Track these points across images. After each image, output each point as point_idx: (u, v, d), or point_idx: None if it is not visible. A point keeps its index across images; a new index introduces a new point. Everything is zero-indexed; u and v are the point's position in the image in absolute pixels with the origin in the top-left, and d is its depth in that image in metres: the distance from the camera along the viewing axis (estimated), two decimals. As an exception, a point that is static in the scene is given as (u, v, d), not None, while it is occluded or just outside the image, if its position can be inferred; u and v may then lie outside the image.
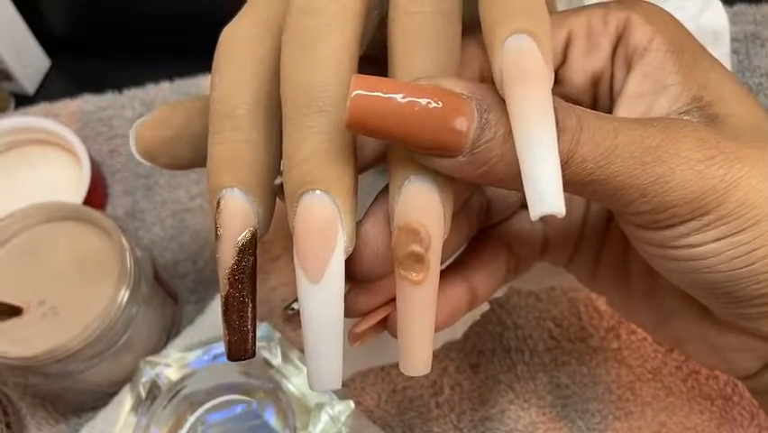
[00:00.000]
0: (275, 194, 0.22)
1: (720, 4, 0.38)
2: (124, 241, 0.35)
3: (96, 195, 0.43)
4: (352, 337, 0.24)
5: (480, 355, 0.38)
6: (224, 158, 0.22)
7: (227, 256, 0.21)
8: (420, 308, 0.21)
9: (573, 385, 0.37)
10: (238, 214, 0.21)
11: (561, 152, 0.19)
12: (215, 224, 0.21)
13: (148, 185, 0.46)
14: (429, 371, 0.21)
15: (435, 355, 0.24)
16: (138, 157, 0.27)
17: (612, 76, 0.25)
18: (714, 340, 0.26)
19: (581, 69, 0.25)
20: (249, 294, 0.21)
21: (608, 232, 0.28)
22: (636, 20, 0.24)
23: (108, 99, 0.48)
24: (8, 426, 0.33)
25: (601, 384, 0.37)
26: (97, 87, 0.49)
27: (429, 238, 0.20)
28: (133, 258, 0.35)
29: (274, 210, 0.23)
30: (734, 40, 0.44)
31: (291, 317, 0.22)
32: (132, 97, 0.48)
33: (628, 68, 0.24)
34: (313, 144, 0.20)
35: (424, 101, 0.19)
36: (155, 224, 0.44)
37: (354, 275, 0.22)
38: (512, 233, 0.28)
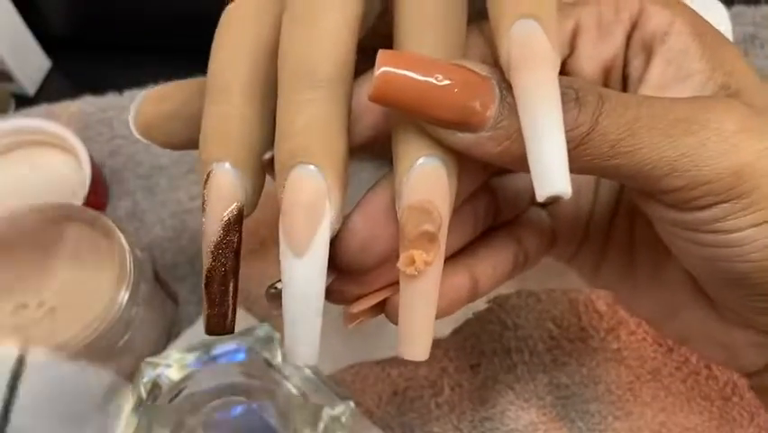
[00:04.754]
0: (264, 171, 0.22)
1: (723, 8, 0.38)
2: (124, 242, 0.35)
3: (97, 196, 0.44)
4: (347, 317, 0.24)
5: (480, 356, 0.38)
6: (216, 131, 0.22)
7: (212, 230, 0.21)
8: (425, 290, 0.20)
9: (573, 385, 0.37)
10: (226, 188, 0.21)
11: (581, 126, 0.19)
12: (203, 197, 0.21)
13: (148, 186, 0.46)
14: (428, 357, 0.21)
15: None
16: (135, 132, 0.27)
17: (626, 65, 0.24)
18: (721, 335, 0.26)
19: (592, 58, 0.24)
20: (231, 270, 0.21)
21: (614, 225, 0.28)
22: (651, 7, 0.24)
23: (109, 100, 0.48)
24: (9, 426, 0.33)
25: (601, 385, 0.37)
26: (98, 88, 0.49)
27: (441, 218, 0.20)
28: (133, 259, 0.35)
29: (263, 188, 0.23)
30: (733, 41, 0.44)
31: (274, 297, 0.22)
32: (133, 98, 0.48)
33: (648, 55, 0.24)
34: (306, 119, 0.20)
35: (448, 78, 0.19)
36: (155, 225, 0.44)
37: (340, 265, 0.22)
38: (521, 226, 0.27)
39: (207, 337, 0.34)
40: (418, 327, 0.21)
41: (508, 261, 0.27)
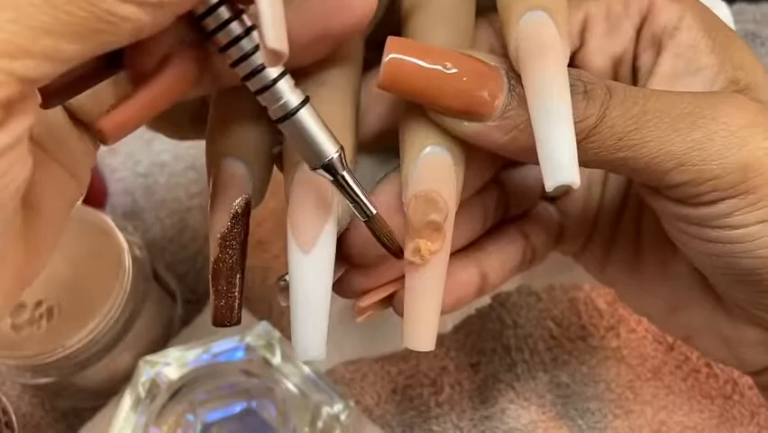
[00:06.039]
0: (272, 165, 0.23)
1: (724, 5, 0.38)
2: (123, 240, 0.35)
3: (96, 194, 0.43)
4: (357, 311, 0.24)
5: (480, 354, 0.38)
6: (224, 127, 0.22)
7: (220, 221, 0.21)
8: (430, 279, 0.21)
9: (573, 384, 0.37)
10: (234, 181, 0.21)
11: (589, 118, 0.19)
12: (211, 190, 0.21)
13: (147, 184, 0.46)
14: (434, 348, 0.21)
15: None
16: None
17: (636, 58, 0.24)
18: (726, 332, 0.26)
19: (601, 51, 0.24)
20: (238, 261, 0.21)
21: (621, 220, 0.28)
22: (661, 0, 0.23)
23: (107, 98, 0.48)
24: (7, 425, 0.33)
25: (601, 383, 0.37)
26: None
27: (447, 208, 0.20)
28: (132, 257, 0.35)
29: (269, 181, 0.23)
30: (734, 38, 0.44)
31: (284, 289, 0.22)
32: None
33: (657, 49, 0.24)
34: None
35: (456, 66, 0.19)
36: (154, 223, 0.44)
37: (349, 258, 0.22)
38: (530, 221, 0.27)
39: (206, 336, 0.34)
40: (424, 316, 0.21)
41: (517, 256, 0.27)
